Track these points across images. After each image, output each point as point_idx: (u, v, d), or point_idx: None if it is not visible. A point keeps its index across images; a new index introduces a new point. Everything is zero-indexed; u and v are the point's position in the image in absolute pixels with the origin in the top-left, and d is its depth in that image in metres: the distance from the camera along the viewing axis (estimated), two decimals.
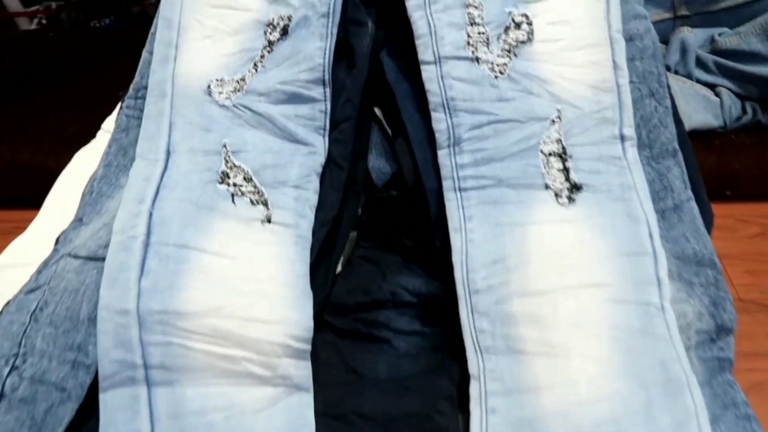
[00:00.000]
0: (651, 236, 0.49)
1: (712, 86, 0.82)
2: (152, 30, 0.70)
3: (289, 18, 0.63)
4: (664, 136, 0.57)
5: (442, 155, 0.55)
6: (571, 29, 0.58)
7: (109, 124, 0.87)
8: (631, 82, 0.57)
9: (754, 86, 0.80)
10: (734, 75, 0.80)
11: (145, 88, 0.65)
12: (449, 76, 0.56)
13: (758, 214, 0.80)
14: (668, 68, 0.85)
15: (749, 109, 0.81)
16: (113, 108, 0.91)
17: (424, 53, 0.57)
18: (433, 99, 0.56)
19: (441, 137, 0.55)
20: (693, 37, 0.85)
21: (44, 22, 1.67)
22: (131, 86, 0.71)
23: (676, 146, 0.57)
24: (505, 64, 0.56)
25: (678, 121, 0.58)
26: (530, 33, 0.57)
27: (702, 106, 0.80)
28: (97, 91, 1.01)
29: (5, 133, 0.93)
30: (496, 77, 0.56)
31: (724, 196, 0.79)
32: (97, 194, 0.61)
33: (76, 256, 0.52)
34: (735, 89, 0.81)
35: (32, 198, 0.73)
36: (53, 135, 0.93)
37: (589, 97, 0.55)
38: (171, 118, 0.61)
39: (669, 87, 0.59)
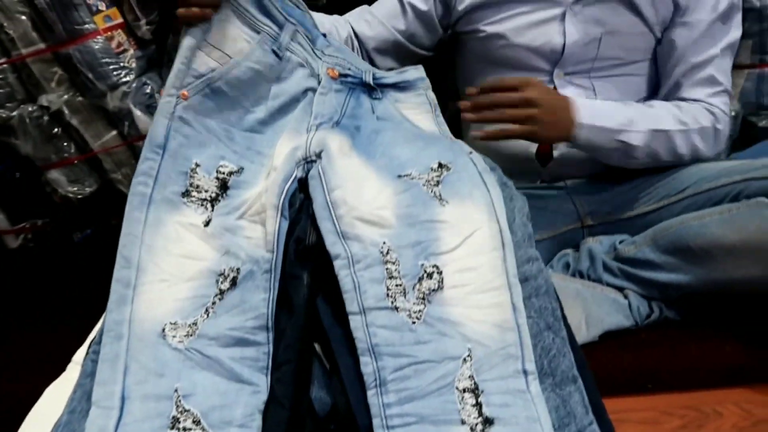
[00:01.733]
0: None
1: (620, 289, 0.93)
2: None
3: (237, 270, 0.72)
4: (564, 364, 0.65)
5: (371, 395, 0.63)
6: (476, 275, 0.68)
7: (78, 356, 0.93)
8: (529, 317, 0.66)
9: (655, 289, 0.90)
10: (636, 280, 0.91)
11: None
12: (373, 324, 0.65)
13: (680, 405, 0.86)
14: (581, 274, 0.96)
15: (656, 308, 0.91)
16: (87, 335, 0.98)
17: (351, 305, 0.66)
18: (360, 345, 0.65)
19: (368, 379, 0.63)
20: (599, 245, 0.97)
21: (29, 237, 1.79)
22: (96, 332, 0.78)
23: (576, 373, 0.65)
24: (420, 311, 0.66)
25: (575, 348, 0.67)
26: (440, 281, 0.68)
27: (613, 309, 0.90)
28: (74, 314, 1.07)
29: None
30: (413, 323, 0.65)
31: (646, 389, 0.86)
32: None
33: None
34: (640, 291, 0.92)
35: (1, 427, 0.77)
36: (25, 361, 0.98)
37: (495, 336, 0.64)
38: (126, 362, 0.66)
39: (564, 318, 0.69)
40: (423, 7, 1.05)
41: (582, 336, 0.84)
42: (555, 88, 1.01)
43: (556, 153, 1.04)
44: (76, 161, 1.64)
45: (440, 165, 0.77)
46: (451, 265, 0.69)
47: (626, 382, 0.85)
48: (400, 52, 1.09)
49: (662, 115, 0.96)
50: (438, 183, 0.75)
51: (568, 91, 1.00)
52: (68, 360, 0.91)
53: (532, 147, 1.04)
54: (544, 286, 0.69)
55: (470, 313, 0.66)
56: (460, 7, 1.03)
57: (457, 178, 0.76)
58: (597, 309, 0.87)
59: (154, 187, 0.76)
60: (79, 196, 1.68)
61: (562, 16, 0.98)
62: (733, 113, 1.19)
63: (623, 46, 1.00)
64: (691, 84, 0.99)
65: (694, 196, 0.92)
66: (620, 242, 0.96)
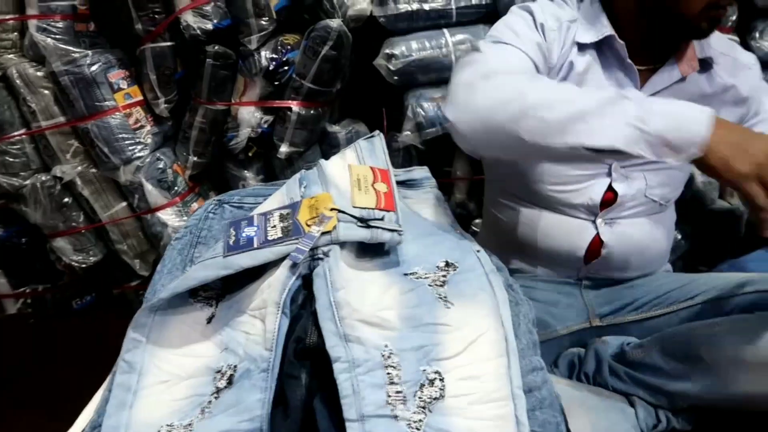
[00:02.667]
0: None
1: (627, 394, 0.91)
2: (114, 369, 0.78)
3: (235, 368, 0.71)
4: None
5: None
6: (479, 384, 0.66)
7: None
8: (533, 430, 0.64)
9: (663, 397, 0.88)
10: (643, 385, 0.89)
11: (100, 426, 0.71)
12: None
13: None
14: (586, 376, 0.94)
15: (663, 418, 0.88)
16: (77, 414, 0.95)
17: (348, 411, 0.64)
18: None
19: None
20: (605, 347, 0.95)
21: (29, 301, 1.79)
22: (88, 423, 0.76)
23: None
24: (420, 421, 0.64)
25: None
26: (442, 389, 0.66)
27: (620, 418, 0.87)
28: (63, 394, 1.05)
29: None
30: None
31: None
32: None
33: None
34: (647, 398, 0.89)
35: None
36: None
37: None
38: None
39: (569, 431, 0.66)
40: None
41: None
42: (611, 180, 0.98)
43: (604, 251, 1.01)
44: (83, 230, 1.66)
45: (447, 264, 0.77)
46: (454, 372, 0.67)
47: None
48: None
49: None
50: (444, 284, 0.74)
51: (622, 184, 0.97)
52: None
53: (582, 244, 1.00)
54: (548, 398, 0.67)
55: (472, 425, 0.63)
56: None
57: (463, 278, 0.75)
58: (603, 419, 0.84)
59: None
60: (83, 265, 1.69)
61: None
62: None
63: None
64: None
65: (704, 303, 0.91)
66: (628, 344, 0.94)
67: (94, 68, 1.45)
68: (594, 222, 0.99)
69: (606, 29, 0.92)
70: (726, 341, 0.81)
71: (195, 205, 1.62)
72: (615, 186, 0.97)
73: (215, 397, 0.70)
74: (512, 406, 0.64)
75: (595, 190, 0.97)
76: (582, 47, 0.93)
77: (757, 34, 1.42)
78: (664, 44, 0.93)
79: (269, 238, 0.76)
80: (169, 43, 1.48)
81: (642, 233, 1.00)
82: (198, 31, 1.41)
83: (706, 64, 0.95)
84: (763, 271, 0.97)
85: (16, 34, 1.51)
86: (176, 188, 1.59)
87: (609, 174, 0.98)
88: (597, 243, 1.00)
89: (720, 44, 0.97)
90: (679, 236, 1.45)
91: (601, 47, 0.94)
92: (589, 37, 0.93)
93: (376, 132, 0.97)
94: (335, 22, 1.42)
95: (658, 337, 0.90)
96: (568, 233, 0.99)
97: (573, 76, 0.94)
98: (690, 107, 0.70)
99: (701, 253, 1.51)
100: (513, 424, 0.63)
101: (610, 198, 0.98)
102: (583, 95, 0.74)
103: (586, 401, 0.85)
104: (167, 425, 0.68)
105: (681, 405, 0.87)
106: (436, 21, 1.47)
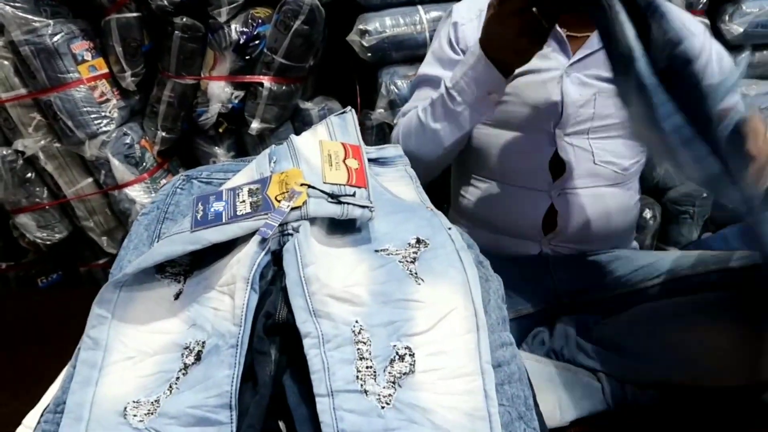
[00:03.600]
0: None
1: (594, 371, 0.92)
2: (78, 346, 0.76)
3: (203, 344, 0.70)
4: None
5: None
6: (449, 359, 0.66)
7: (30, 420, 0.89)
8: (501, 404, 0.65)
9: (629, 373, 0.90)
10: (610, 363, 0.91)
11: (65, 403, 0.69)
12: (341, 408, 0.62)
13: None
14: (555, 353, 0.96)
15: (630, 392, 0.90)
16: (41, 393, 0.93)
17: (319, 386, 0.64)
18: (326, 429, 0.62)
19: None
20: (573, 325, 0.97)
21: None
22: (52, 400, 0.74)
23: None
24: (390, 395, 0.64)
25: None
26: (412, 364, 0.66)
27: (587, 393, 0.89)
28: (27, 372, 1.03)
29: None
30: (382, 407, 0.63)
31: None
32: None
33: None
34: (614, 374, 0.91)
35: None
36: None
37: (465, 425, 0.62)
38: None
39: (537, 406, 0.67)
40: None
41: (555, 420, 0.82)
42: (556, 149, 1.03)
43: (559, 221, 1.05)
44: (47, 206, 1.61)
45: (418, 240, 0.77)
46: (424, 348, 0.67)
47: None
48: None
49: None
50: (414, 260, 0.74)
51: (568, 152, 1.02)
52: (19, 422, 0.87)
53: (538, 215, 1.05)
54: (517, 372, 0.68)
55: (441, 400, 0.64)
56: None
57: (433, 255, 0.75)
58: (571, 393, 0.86)
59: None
60: (48, 242, 1.64)
61: (560, 78, 1.01)
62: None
63: (617, 104, 1.01)
64: None
65: (669, 281, 0.93)
66: (595, 323, 0.95)
67: (56, 38, 1.39)
68: (549, 193, 1.02)
69: None
70: (690, 320, 0.83)
71: (164, 182, 1.58)
72: (561, 154, 1.02)
73: (183, 374, 0.69)
74: (481, 380, 0.65)
75: (541, 159, 1.02)
76: None
77: (727, 17, 1.44)
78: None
79: (238, 213, 0.75)
80: (135, 14, 1.43)
81: (600, 204, 1.03)
82: (165, 2, 1.37)
83: None
84: (728, 249, 0.99)
85: None
86: (144, 164, 1.55)
87: (553, 143, 1.02)
88: (553, 214, 1.04)
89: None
90: (649, 215, 1.47)
91: None
92: None
93: (348, 108, 0.96)
94: None
95: (624, 316, 0.91)
96: (524, 205, 1.04)
97: None
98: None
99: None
100: (482, 398, 0.64)
101: (561, 168, 1.03)
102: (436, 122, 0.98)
103: (553, 377, 0.86)
104: (134, 402, 0.67)
105: (647, 381, 0.89)
106: None
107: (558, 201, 1.03)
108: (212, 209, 0.75)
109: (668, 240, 1.53)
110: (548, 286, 1.04)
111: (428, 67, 1.12)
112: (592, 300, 1.01)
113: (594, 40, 0.99)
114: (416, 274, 0.73)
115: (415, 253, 0.76)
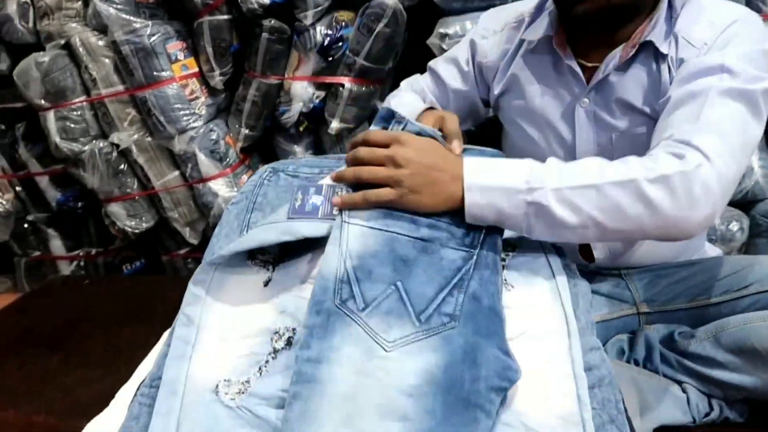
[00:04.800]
0: None
1: (678, 382, 0.89)
2: (173, 325, 0.80)
3: (293, 330, 0.73)
4: None
5: None
6: (540, 363, 0.66)
7: (123, 394, 0.94)
8: (592, 408, 0.64)
9: (716, 387, 0.86)
10: (696, 375, 0.87)
11: (160, 378, 0.73)
12: None
13: None
14: (636, 362, 0.93)
15: (716, 407, 0.87)
16: (132, 371, 0.99)
17: None
18: None
19: None
20: (655, 334, 0.94)
21: (82, 264, 1.86)
22: (147, 375, 0.79)
23: None
24: None
25: None
26: None
27: (671, 402, 0.86)
28: (118, 352, 1.09)
29: (17, 395, 0.98)
30: None
31: None
32: None
33: None
34: (700, 387, 0.88)
35: None
36: (67, 398, 0.98)
37: (558, 428, 0.62)
38: (179, 418, 0.67)
39: (626, 411, 0.66)
40: (463, 87, 1.10)
41: (635, 427, 0.80)
42: None
43: (599, 253, 1.00)
44: (137, 197, 1.71)
45: (507, 243, 0.77)
46: (515, 353, 0.67)
47: None
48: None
49: (589, 166, 0.74)
50: (504, 267, 0.75)
51: None
52: (112, 396, 0.93)
53: (572, 246, 0.97)
54: (607, 376, 0.67)
55: (534, 403, 0.64)
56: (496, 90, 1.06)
57: (522, 261, 0.75)
58: (653, 400, 0.84)
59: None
60: (136, 230, 1.74)
61: (573, 110, 0.96)
62: None
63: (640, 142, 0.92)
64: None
65: (759, 293, 0.88)
66: (679, 333, 0.92)
67: (153, 39, 1.48)
68: None
69: (546, 30, 0.95)
70: None
71: (245, 177, 1.65)
72: None
73: (272, 357, 0.72)
74: (574, 385, 0.65)
75: None
76: (532, 44, 0.98)
77: None
78: (589, 39, 0.92)
79: (334, 212, 0.77)
80: (226, 17, 1.50)
81: None
82: (255, 5, 1.43)
83: (647, 48, 0.89)
84: None
85: (80, 3, 1.56)
86: (228, 159, 1.62)
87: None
88: (587, 249, 1.00)
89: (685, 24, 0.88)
90: (735, 227, 1.41)
91: (551, 46, 0.96)
92: (531, 35, 0.97)
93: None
94: (390, 0, 1.41)
95: (711, 328, 0.88)
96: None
97: (513, 71, 1.01)
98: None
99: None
100: (575, 403, 0.64)
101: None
102: None
103: (636, 381, 0.84)
104: (225, 380, 0.70)
105: (734, 396, 0.85)
106: (490, 2, 1.45)
107: None
108: (310, 201, 0.77)
109: (756, 254, 1.46)
110: (626, 294, 1.01)
111: (443, 63, 1.12)
112: (674, 309, 0.97)
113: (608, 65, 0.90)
114: (506, 280, 0.73)
115: (504, 260, 0.76)
